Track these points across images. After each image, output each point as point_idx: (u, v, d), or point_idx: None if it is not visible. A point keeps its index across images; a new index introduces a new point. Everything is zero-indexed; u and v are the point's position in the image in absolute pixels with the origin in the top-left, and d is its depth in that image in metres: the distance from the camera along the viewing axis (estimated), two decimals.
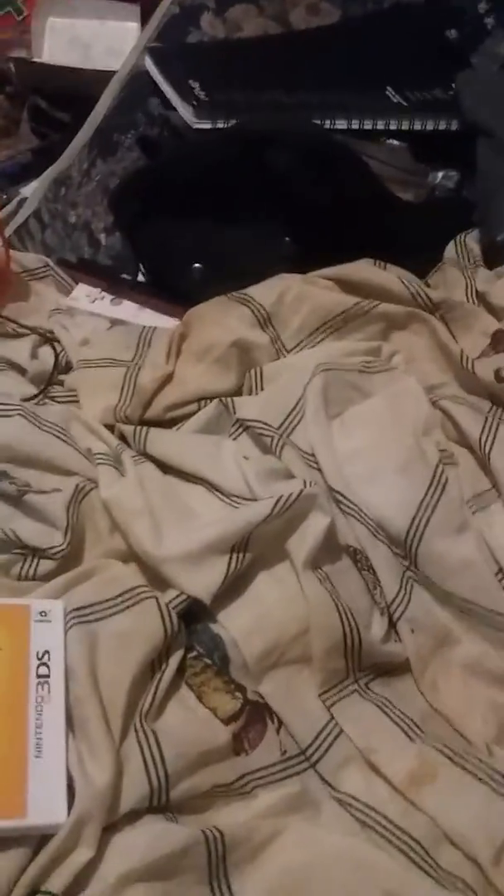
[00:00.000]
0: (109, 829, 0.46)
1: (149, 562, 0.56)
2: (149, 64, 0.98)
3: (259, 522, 0.57)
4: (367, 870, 0.47)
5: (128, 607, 0.53)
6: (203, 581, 0.55)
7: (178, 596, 0.55)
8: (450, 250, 0.86)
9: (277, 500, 0.57)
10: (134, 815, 0.46)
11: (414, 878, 0.47)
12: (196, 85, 0.88)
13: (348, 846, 0.49)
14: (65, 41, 1.25)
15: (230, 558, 0.56)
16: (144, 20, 1.21)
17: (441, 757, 0.52)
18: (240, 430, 0.69)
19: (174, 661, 0.53)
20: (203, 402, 0.71)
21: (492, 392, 0.72)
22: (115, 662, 0.50)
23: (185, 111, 0.86)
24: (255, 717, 0.53)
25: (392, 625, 0.60)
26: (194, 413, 0.70)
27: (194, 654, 0.55)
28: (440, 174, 0.97)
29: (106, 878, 0.43)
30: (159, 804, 0.47)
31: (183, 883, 0.45)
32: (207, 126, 0.84)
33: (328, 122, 0.87)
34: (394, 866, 0.48)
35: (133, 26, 1.27)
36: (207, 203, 0.79)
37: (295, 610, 0.56)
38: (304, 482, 0.61)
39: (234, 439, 0.68)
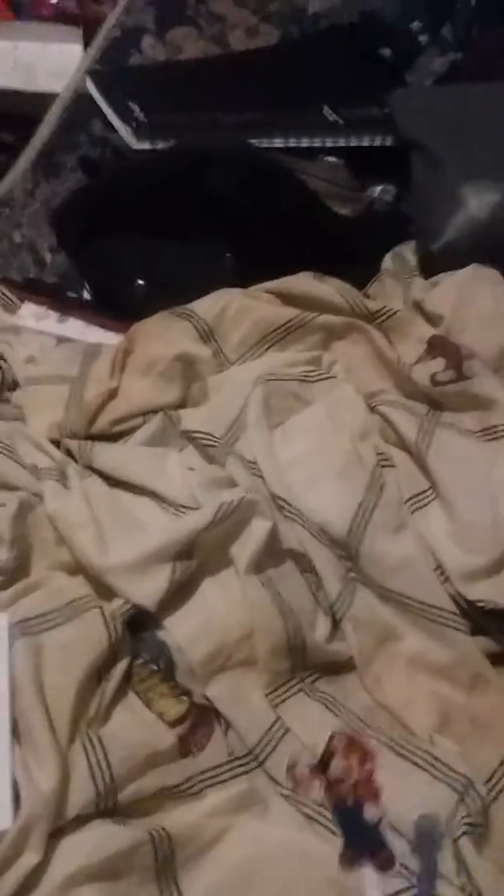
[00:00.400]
0: (57, 833, 0.47)
1: (93, 572, 0.57)
2: (90, 86, 0.99)
3: (201, 530, 0.58)
4: (312, 860, 0.48)
5: (72, 618, 0.54)
6: (147, 589, 0.56)
7: (123, 605, 0.56)
8: (387, 262, 0.88)
9: (219, 508, 0.59)
10: (82, 820, 0.48)
11: (358, 866, 0.49)
12: (136, 107, 0.90)
13: (293, 839, 0.50)
14: (8, 64, 1.26)
15: (174, 566, 0.58)
16: (87, 42, 1.23)
17: (384, 748, 0.54)
18: (185, 441, 0.70)
19: (120, 668, 0.54)
20: (148, 416, 0.72)
21: (429, 396, 0.74)
22: (60, 672, 0.51)
23: (125, 132, 0.87)
24: (201, 720, 0.54)
25: (336, 624, 0.61)
26: (140, 426, 0.72)
27: (141, 661, 0.56)
28: (378, 189, 1.00)
29: (53, 879, 0.44)
30: (107, 808, 0.48)
31: (131, 883, 0.46)
32: (147, 147, 0.85)
33: (266, 140, 0.90)
34: (337, 856, 0.49)
35: (76, 49, 1.28)
36: (149, 221, 0.81)
37: (239, 614, 0.58)
38: (246, 490, 0.62)
39: (180, 451, 0.70)
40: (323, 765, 0.32)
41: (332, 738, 0.32)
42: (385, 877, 0.31)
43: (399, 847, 0.43)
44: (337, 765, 0.33)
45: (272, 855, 0.49)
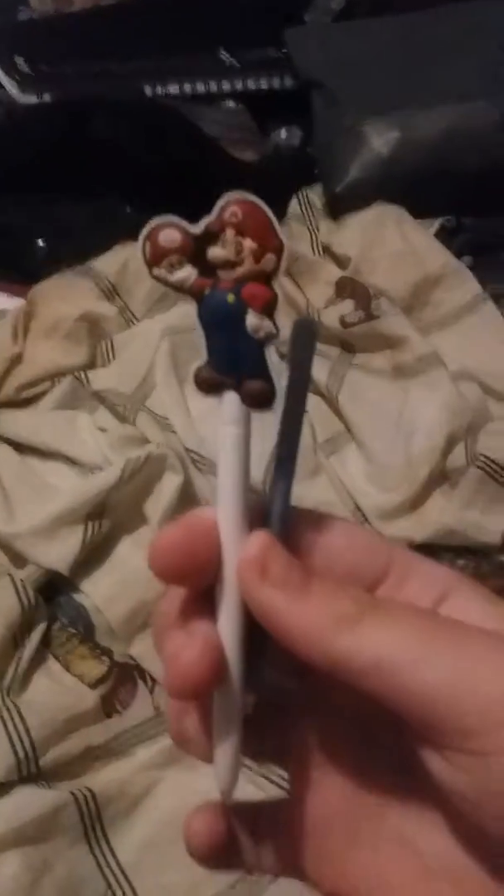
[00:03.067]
0: None
1: (1, 540, 0.56)
2: None
3: (110, 488, 0.57)
4: None
5: None
6: (58, 552, 0.55)
7: (35, 570, 0.55)
8: (293, 206, 0.87)
9: (125, 465, 0.58)
10: (6, 787, 0.47)
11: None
12: (21, 60, 0.86)
13: None
14: None
15: (85, 527, 0.57)
16: None
17: None
18: (96, 402, 0.69)
19: (36, 634, 0.53)
20: (57, 379, 0.71)
21: (339, 338, 0.73)
22: None
23: (10, 86, 0.84)
24: (124, 679, 0.54)
25: None
26: (48, 391, 0.70)
27: (59, 625, 0.55)
28: (283, 132, 0.98)
29: None
30: (29, 774, 0.47)
31: (59, 845, 0.46)
32: (34, 100, 0.82)
33: (160, 87, 0.87)
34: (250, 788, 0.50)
35: None
36: (43, 179, 0.78)
37: None
38: (157, 445, 0.61)
39: (91, 413, 0.68)
40: (204, 242, 0.23)
41: (226, 206, 0.23)
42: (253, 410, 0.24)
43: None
44: (224, 241, 0.22)
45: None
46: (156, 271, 0.24)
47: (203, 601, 0.25)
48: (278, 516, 0.25)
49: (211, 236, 0.23)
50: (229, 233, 0.23)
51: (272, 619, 0.24)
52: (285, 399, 0.24)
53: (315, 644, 0.23)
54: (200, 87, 0.90)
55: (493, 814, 0.22)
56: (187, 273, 0.23)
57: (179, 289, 0.24)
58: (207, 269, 0.23)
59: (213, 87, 0.90)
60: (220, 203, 0.23)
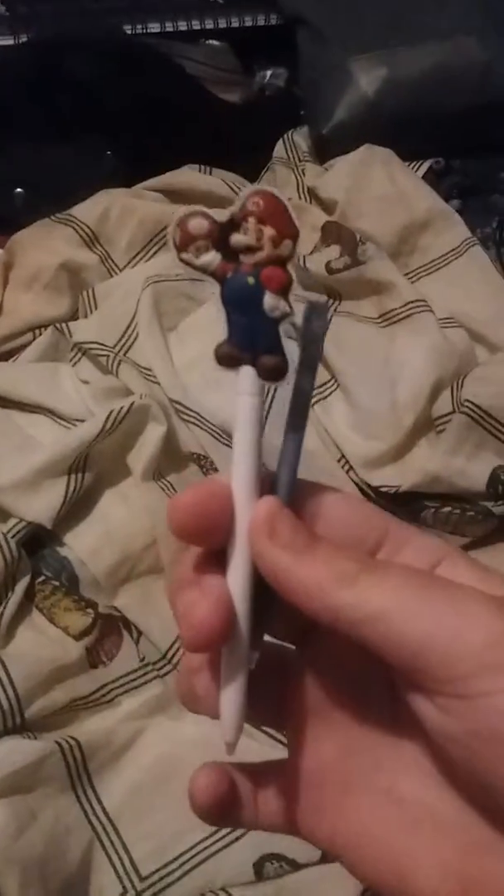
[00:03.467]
0: None
1: None
2: None
3: (91, 440, 0.56)
4: None
5: None
6: (41, 505, 0.55)
7: (17, 524, 0.55)
8: (279, 149, 0.85)
9: (108, 416, 0.57)
10: None
11: (272, 751, 0.50)
12: None
13: (207, 731, 0.50)
14: None
15: (68, 480, 0.56)
16: None
17: None
18: (78, 354, 0.68)
19: (20, 587, 0.53)
20: (38, 331, 0.70)
21: (326, 286, 0.72)
22: None
23: None
24: (109, 630, 0.54)
25: None
26: (30, 343, 0.69)
27: (42, 578, 0.55)
28: (269, 72, 0.96)
29: None
30: (14, 725, 0.48)
31: (45, 794, 0.46)
32: (10, 42, 0.79)
33: (140, 26, 0.84)
34: (254, 744, 0.50)
35: None
36: (20, 123, 0.76)
37: (141, 523, 0.57)
38: (140, 396, 0.61)
39: (74, 365, 0.67)
40: (228, 230, 0.25)
41: (250, 197, 0.25)
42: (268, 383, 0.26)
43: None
44: (246, 229, 0.24)
45: (188, 748, 0.50)
46: (184, 255, 0.26)
47: (215, 562, 0.27)
48: (286, 484, 0.27)
49: (234, 224, 0.26)
50: (251, 221, 0.25)
51: (279, 576, 0.26)
52: (296, 374, 0.26)
53: (318, 598, 0.25)
54: (182, 25, 0.87)
55: (483, 755, 0.23)
56: (212, 257, 0.26)
57: (204, 271, 0.26)
58: (230, 253, 0.26)
59: (196, 24, 0.87)
60: (242, 194, 0.26)
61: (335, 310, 0.70)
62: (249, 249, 0.26)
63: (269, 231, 0.25)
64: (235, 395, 0.26)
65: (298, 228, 0.26)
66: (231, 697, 0.27)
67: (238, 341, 0.26)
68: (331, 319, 0.26)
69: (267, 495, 0.26)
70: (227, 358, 0.26)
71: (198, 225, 0.26)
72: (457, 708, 0.23)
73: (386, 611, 0.24)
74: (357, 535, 0.27)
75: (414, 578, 0.25)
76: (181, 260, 0.26)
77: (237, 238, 0.26)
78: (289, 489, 0.27)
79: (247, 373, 0.26)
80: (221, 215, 0.26)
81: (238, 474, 0.26)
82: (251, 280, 0.26)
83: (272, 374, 0.26)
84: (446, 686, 0.23)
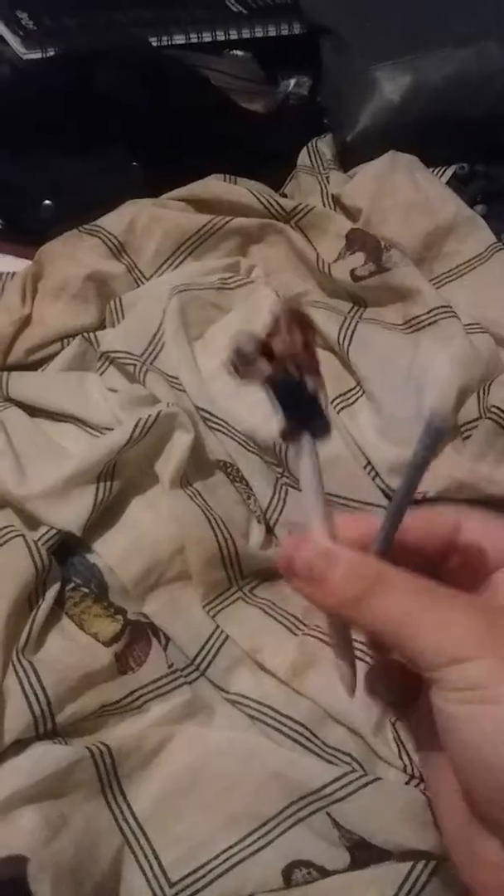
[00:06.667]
0: None
1: (13, 502, 0.56)
2: None
3: (120, 449, 0.57)
4: (255, 756, 0.50)
5: None
6: (70, 513, 0.56)
7: (48, 532, 0.56)
8: (303, 157, 0.85)
9: (136, 424, 0.58)
10: (22, 745, 0.48)
11: (300, 757, 0.50)
12: (24, 15, 0.85)
13: (237, 738, 0.51)
14: None
15: (97, 488, 0.57)
16: None
17: (319, 644, 0.54)
18: (105, 363, 0.68)
19: (50, 594, 0.54)
20: (66, 341, 0.71)
21: (350, 292, 0.72)
22: None
23: (14, 42, 0.82)
24: (138, 636, 0.54)
25: (270, 530, 0.61)
26: (58, 353, 0.70)
27: (72, 585, 0.56)
28: (292, 81, 0.96)
29: None
30: (45, 731, 0.48)
31: (75, 799, 0.46)
32: (38, 55, 0.81)
33: (165, 38, 0.85)
34: (281, 750, 0.50)
35: None
36: (48, 136, 0.77)
37: (169, 530, 0.58)
38: (167, 404, 0.61)
39: (101, 374, 0.68)
40: (266, 345, 0.33)
41: (276, 318, 0.34)
42: (320, 443, 0.35)
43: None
44: (281, 340, 0.33)
45: (216, 755, 0.50)
46: (240, 369, 0.33)
47: None
48: (382, 539, 0.35)
49: (273, 336, 0.33)
50: (284, 330, 0.33)
51: (306, 598, 0.34)
52: (411, 468, 0.33)
53: (345, 616, 0.33)
54: (207, 36, 0.87)
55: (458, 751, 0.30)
56: (262, 366, 0.33)
57: (255, 377, 0.34)
58: (273, 358, 0.33)
59: (220, 35, 0.88)
60: (276, 312, 0.33)
61: (360, 316, 0.71)
62: (287, 353, 0.33)
63: (298, 336, 0.33)
64: (300, 457, 0.35)
65: (314, 326, 0.36)
66: (344, 657, 0.37)
67: (294, 423, 0.35)
68: (444, 431, 0.39)
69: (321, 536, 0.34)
70: (290, 434, 0.35)
71: (246, 341, 0.33)
72: (457, 698, 0.30)
73: (389, 622, 0.31)
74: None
75: (414, 589, 0.32)
76: (237, 373, 0.34)
77: (276, 346, 0.33)
78: (385, 542, 0.34)
79: (307, 439, 0.34)
80: (263, 331, 0.33)
81: (307, 518, 0.35)
82: (294, 377, 0.33)
83: (325, 435, 0.35)
84: (445, 682, 0.30)
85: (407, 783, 0.48)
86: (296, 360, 0.33)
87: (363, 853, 0.46)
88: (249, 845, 0.46)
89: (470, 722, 0.29)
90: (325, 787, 0.47)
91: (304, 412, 0.34)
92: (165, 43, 0.85)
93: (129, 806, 0.48)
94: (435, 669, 0.30)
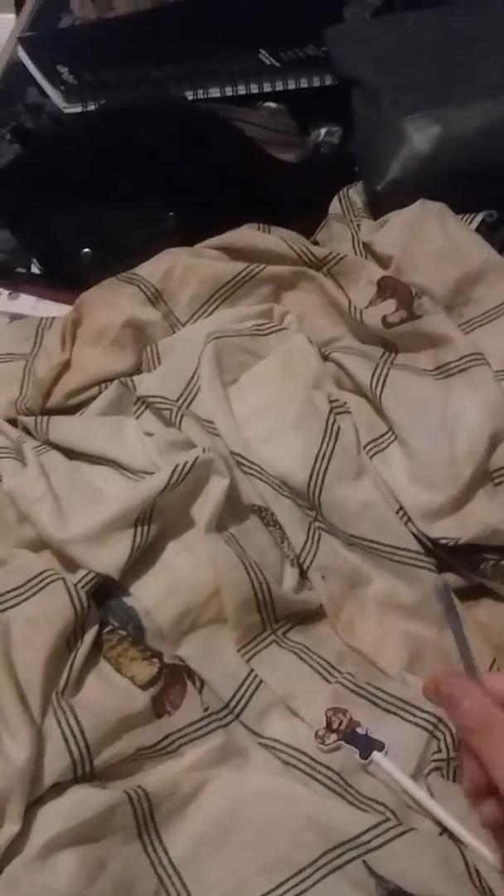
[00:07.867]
0: (37, 802, 0.48)
1: (54, 545, 0.58)
2: (21, 54, 0.97)
3: (158, 494, 0.58)
4: (291, 801, 0.50)
5: (35, 592, 0.55)
6: (109, 557, 0.57)
7: (86, 575, 0.57)
8: (334, 205, 0.87)
9: (174, 470, 0.59)
10: (60, 788, 0.49)
11: (335, 804, 0.50)
12: (64, 69, 0.88)
13: (272, 783, 0.51)
14: None
15: (135, 532, 0.58)
16: (19, 10, 1.20)
17: (352, 694, 0.55)
18: (142, 407, 0.70)
19: (89, 637, 0.55)
20: (104, 385, 0.72)
21: (382, 339, 0.74)
22: (28, 646, 0.52)
23: (55, 96, 0.86)
24: (174, 680, 0.55)
25: (303, 574, 0.62)
26: (96, 397, 0.72)
27: (109, 628, 0.57)
28: (323, 131, 0.98)
29: (32, 847, 0.45)
30: (84, 774, 0.49)
31: (113, 843, 0.47)
32: (78, 109, 0.84)
33: (201, 91, 0.88)
34: (316, 797, 0.51)
35: (9, 17, 1.25)
36: (87, 187, 0.80)
37: (205, 574, 0.58)
38: (203, 450, 0.62)
39: (138, 418, 0.70)
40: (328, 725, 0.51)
41: (327, 713, 0.51)
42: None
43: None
44: (334, 719, 0.50)
45: (252, 800, 0.50)
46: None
47: None
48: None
49: None
50: None
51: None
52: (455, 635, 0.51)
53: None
54: (241, 89, 0.90)
55: None
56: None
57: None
58: None
59: (254, 88, 0.90)
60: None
61: (392, 362, 0.72)
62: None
63: (342, 715, 0.51)
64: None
65: None
66: None
67: (367, 753, 0.52)
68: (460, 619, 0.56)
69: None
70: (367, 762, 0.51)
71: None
72: None
73: None
74: None
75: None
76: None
77: (332, 725, 0.51)
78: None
79: (382, 760, 0.52)
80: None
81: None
82: (348, 731, 0.53)
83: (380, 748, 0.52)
84: None
85: (440, 835, 0.48)
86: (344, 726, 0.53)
87: None
88: (285, 892, 0.46)
89: None
90: (361, 835, 0.47)
91: (367, 745, 0.51)
92: (201, 96, 0.88)
93: (165, 850, 0.48)
94: None
